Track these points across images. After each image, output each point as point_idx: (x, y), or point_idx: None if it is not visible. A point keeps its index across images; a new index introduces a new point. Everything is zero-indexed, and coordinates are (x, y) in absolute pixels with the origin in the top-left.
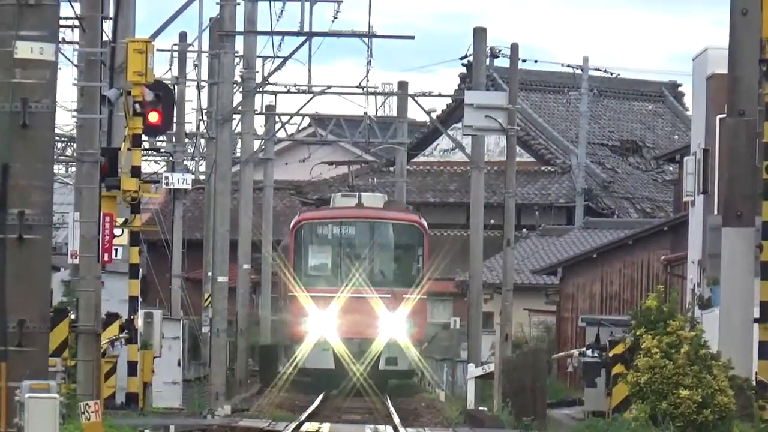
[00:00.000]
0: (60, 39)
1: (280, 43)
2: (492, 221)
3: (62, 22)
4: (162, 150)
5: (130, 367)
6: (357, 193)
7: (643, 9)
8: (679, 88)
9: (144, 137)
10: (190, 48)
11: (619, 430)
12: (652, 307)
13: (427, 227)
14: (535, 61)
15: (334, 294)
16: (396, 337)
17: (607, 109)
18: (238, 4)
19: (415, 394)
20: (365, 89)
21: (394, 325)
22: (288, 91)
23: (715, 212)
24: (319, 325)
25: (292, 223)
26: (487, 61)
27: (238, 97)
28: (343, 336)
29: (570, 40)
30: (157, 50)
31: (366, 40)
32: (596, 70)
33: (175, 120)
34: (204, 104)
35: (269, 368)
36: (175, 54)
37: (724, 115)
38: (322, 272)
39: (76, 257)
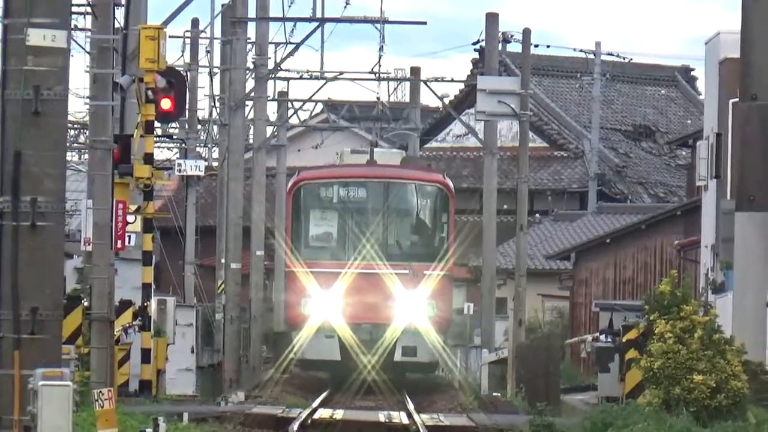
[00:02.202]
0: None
1: (293, 29)
2: (505, 206)
3: (74, 8)
4: (174, 137)
5: (143, 354)
6: (369, 149)
7: None
8: (692, 73)
9: (156, 124)
10: (203, 34)
11: (632, 416)
12: (666, 292)
13: (453, 189)
14: (548, 46)
15: (340, 270)
16: (415, 323)
17: (619, 94)
18: None
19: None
20: (378, 75)
21: (413, 308)
22: (300, 77)
23: (728, 197)
24: (322, 308)
25: (289, 184)
26: (500, 46)
27: (250, 84)
28: (350, 321)
29: (582, 25)
30: (170, 37)
31: (378, 25)
32: (609, 54)
33: (187, 106)
34: (216, 91)
35: (283, 355)
36: (188, 40)
37: (737, 100)
38: (326, 243)
39: (89, 244)
